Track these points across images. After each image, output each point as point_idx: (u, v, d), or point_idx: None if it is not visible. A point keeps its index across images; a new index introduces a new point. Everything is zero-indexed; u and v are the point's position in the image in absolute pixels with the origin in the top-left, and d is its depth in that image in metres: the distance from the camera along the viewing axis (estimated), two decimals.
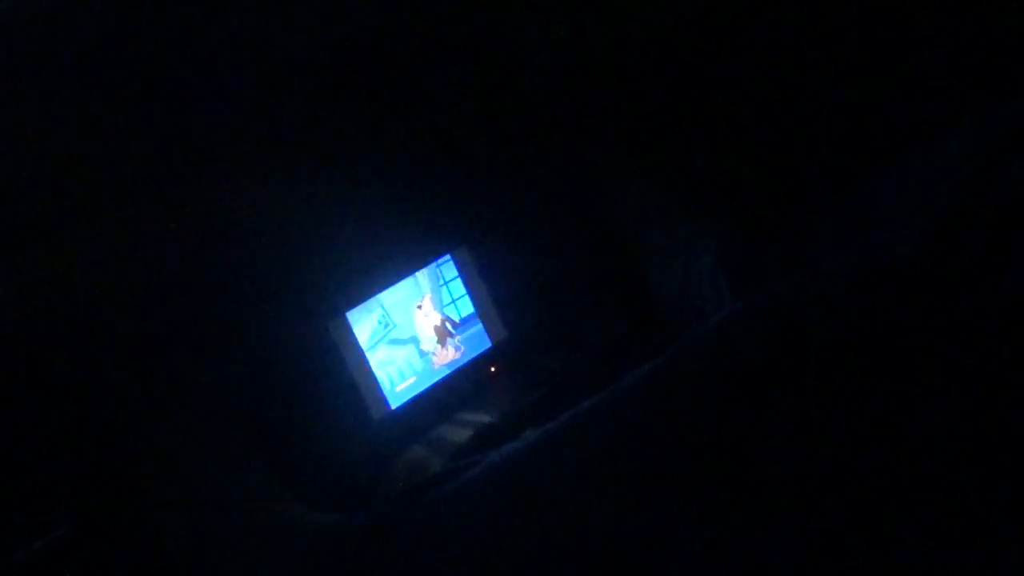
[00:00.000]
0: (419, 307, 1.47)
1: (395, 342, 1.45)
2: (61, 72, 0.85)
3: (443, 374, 1.48)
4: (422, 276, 1.49)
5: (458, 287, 1.53)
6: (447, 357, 1.50)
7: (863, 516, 0.60)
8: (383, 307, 1.44)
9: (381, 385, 1.41)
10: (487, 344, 1.53)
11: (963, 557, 0.56)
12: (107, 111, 0.94)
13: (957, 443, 0.61)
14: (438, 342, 1.49)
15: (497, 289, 1.53)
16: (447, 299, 1.51)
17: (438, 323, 1.49)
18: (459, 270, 1.52)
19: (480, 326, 1.53)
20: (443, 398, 1.46)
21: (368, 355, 1.41)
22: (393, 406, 1.42)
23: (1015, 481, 0.57)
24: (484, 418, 1.37)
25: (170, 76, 0.94)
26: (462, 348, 1.51)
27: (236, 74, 1.00)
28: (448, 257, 1.51)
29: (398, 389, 1.43)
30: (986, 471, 0.59)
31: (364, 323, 1.42)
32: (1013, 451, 0.59)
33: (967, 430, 0.62)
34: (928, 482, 0.60)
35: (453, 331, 1.51)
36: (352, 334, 1.40)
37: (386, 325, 1.44)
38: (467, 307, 1.53)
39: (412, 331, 1.47)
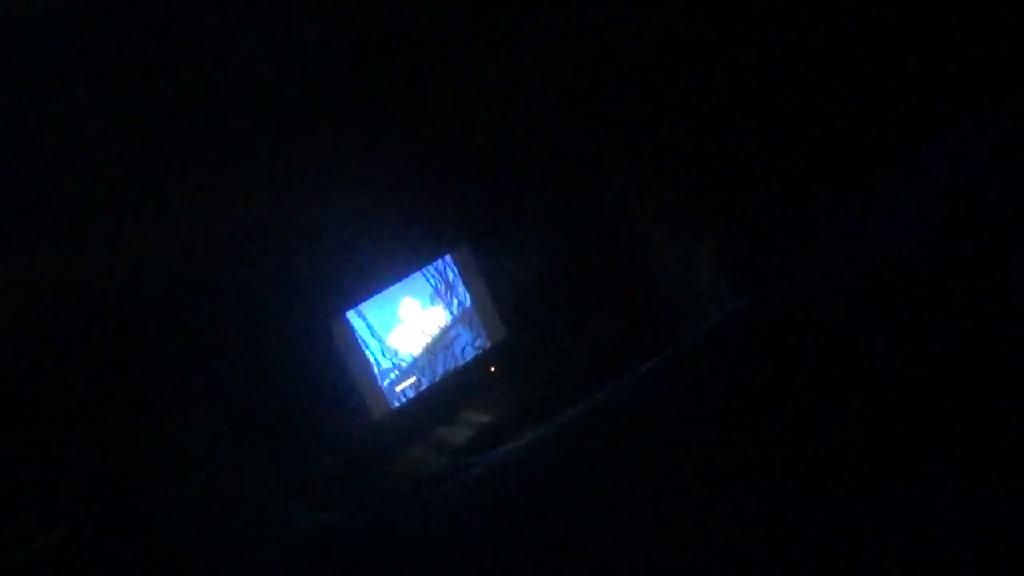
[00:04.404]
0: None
1: None
2: (67, 73, 0.85)
3: (443, 373, 1.48)
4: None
5: None
6: None
7: (863, 516, 0.60)
8: None
9: (381, 385, 1.41)
10: (486, 344, 1.53)
11: (963, 555, 0.56)
12: (113, 113, 0.94)
13: (957, 441, 0.61)
14: None
15: (497, 289, 1.53)
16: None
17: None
18: (459, 270, 1.52)
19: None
20: (443, 398, 1.46)
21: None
22: (393, 406, 1.42)
23: (1015, 477, 0.57)
24: (484, 418, 1.37)
25: (173, 75, 0.94)
26: None
27: (240, 75, 1.00)
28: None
29: (398, 389, 1.43)
30: (986, 467, 0.59)
31: None
32: (1013, 448, 0.59)
33: (967, 428, 0.62)
34: (927, 480, 0.60)
35: None
36: (352, 334, 1.40)
37: None
38: None
39: None
